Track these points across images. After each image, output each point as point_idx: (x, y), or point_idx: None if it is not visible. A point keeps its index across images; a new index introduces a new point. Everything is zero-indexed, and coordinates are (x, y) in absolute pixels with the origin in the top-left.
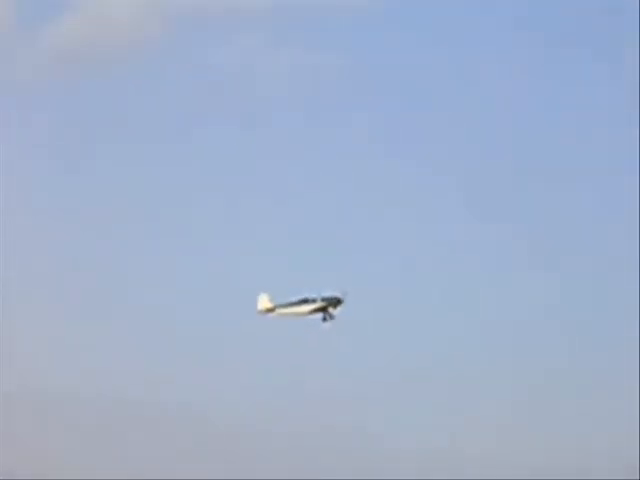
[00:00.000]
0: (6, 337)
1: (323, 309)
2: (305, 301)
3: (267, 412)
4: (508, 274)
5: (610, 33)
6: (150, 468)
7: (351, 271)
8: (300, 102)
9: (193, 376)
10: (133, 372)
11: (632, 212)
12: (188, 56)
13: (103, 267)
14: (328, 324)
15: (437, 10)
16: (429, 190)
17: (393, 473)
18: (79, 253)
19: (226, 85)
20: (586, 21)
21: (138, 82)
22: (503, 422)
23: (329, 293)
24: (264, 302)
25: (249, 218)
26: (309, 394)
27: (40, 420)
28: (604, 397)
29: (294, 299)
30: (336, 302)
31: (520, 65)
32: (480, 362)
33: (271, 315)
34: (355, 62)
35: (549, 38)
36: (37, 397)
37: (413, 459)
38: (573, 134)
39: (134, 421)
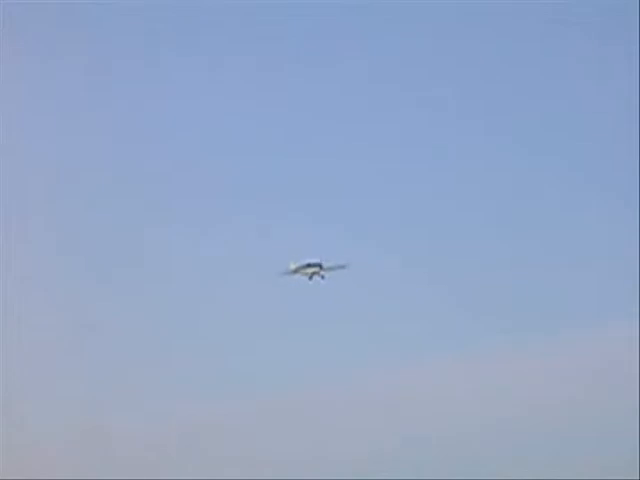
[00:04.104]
0: None
1: (316, 272)
2: (309, 265)
3: None
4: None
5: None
6: None
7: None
8: None
9: None
10: None
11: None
12: None
13: None
14: (312, 282)
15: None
16: None
17: None
18: None
19: None
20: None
21: None
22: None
23: (315, 260)
24: (292, 266)
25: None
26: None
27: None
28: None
29: (302, 264)
30: (320, 267)
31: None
32: None
33: (295, 275)
34: None
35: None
36: None
37: None
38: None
39: None
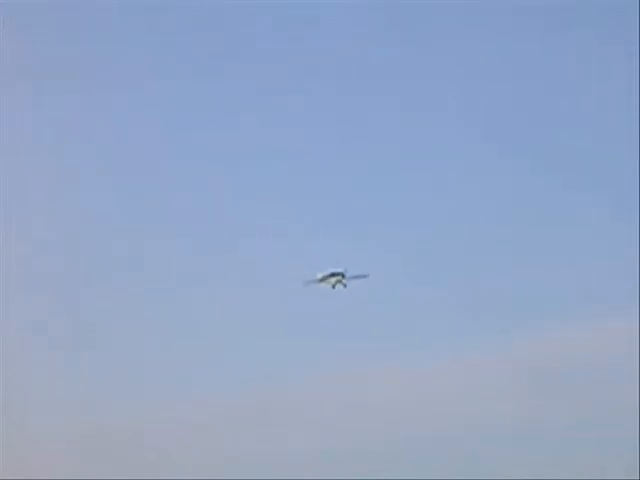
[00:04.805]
0: None
1: (339, 281)
2: (333, 274)
3: None
4: None
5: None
6: None
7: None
8: None
9: None
10: None
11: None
12: None
13: None
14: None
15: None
16: None
17: None
18: None
19: None
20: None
21: None
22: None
23: (339, 269)
24: (319, 276)
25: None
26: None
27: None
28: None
29: (327, 272)
30: (343, 276)
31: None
32: None
33: (322, 284)
34: None
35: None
36: None
37: None
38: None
39: None
